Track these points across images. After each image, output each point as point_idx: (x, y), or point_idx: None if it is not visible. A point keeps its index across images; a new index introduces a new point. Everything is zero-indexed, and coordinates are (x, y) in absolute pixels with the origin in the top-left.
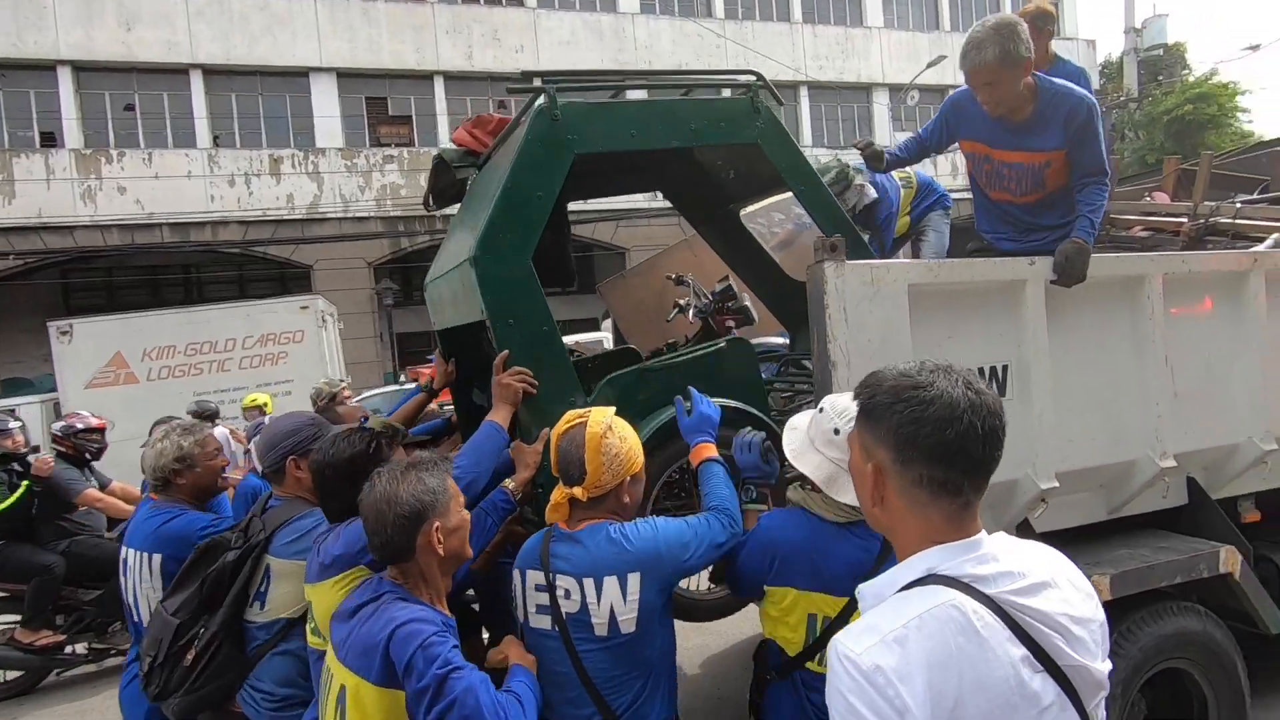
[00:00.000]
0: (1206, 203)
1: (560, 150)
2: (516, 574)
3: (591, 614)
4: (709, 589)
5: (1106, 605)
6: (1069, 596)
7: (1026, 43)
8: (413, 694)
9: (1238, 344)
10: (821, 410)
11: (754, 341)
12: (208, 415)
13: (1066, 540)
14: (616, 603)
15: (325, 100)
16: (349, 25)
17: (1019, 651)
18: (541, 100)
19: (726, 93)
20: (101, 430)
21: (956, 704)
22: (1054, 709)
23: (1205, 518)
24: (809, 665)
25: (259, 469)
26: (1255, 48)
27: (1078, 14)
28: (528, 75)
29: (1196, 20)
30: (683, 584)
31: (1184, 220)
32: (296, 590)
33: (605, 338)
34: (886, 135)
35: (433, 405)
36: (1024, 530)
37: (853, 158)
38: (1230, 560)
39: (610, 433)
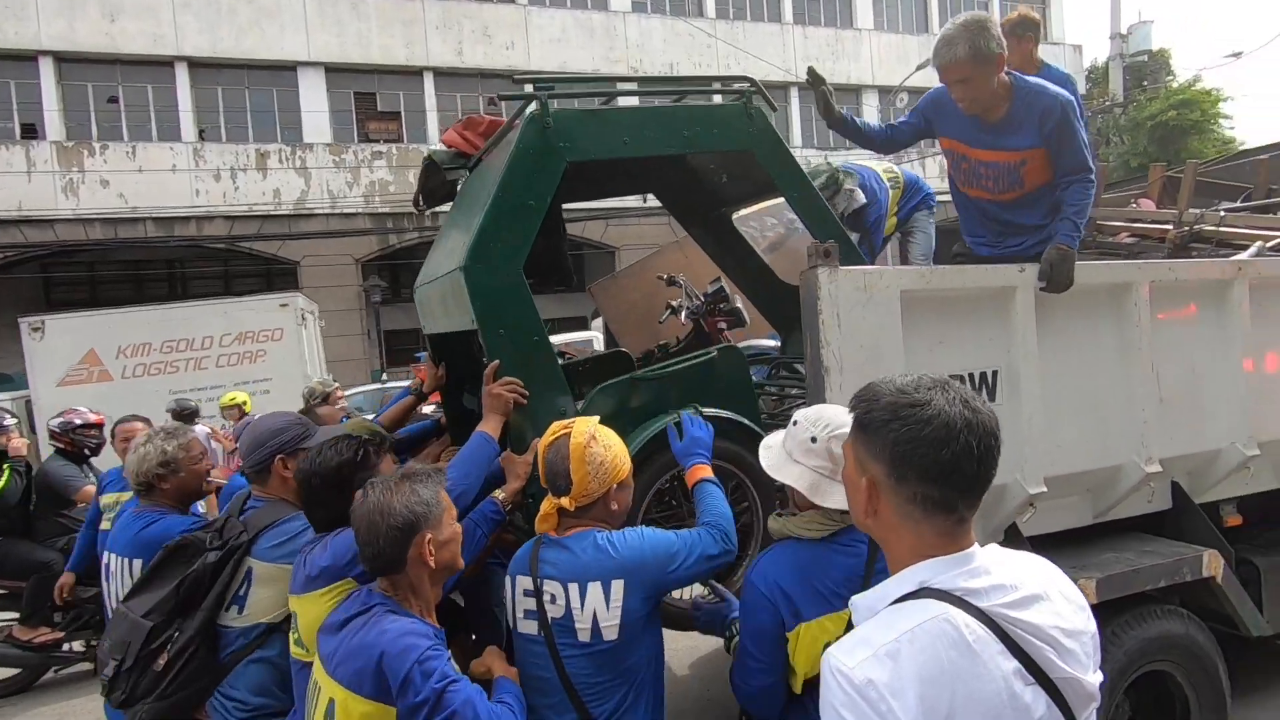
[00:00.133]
0: (1191, 210)
1: (552, 158)
2: (508, 580)
3: (575, 619)
4: (703, 595)
5: (1093, 609)
6: (1060, 609)
7: (998, 39)
8: (408, 709)
9: (1222, 351)
10: (795, 423)
11: (745, 344)
12: (188, 414)
13: (1053, 544)
14: (600, 609)
15: (313, 95)
16: (338, 19)
17: (1011, 664)
18: (534, 107)
19: (717, 99)
20: (99, 426)
21: (948, 717)
22: None
23: (1189, 522)
24: None
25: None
26: (1237, 55)
27: (1065, 19)
28: (520, 81)
29: (1181, 27)
30: (674, 593)
31: (1169, 227)
32: (278, 595)
33: (595, 336)
34: None
35: (428, 408)
36: (1012, 534)
37: (839, 159)
38: (1213, 564)
39: (594, 442)
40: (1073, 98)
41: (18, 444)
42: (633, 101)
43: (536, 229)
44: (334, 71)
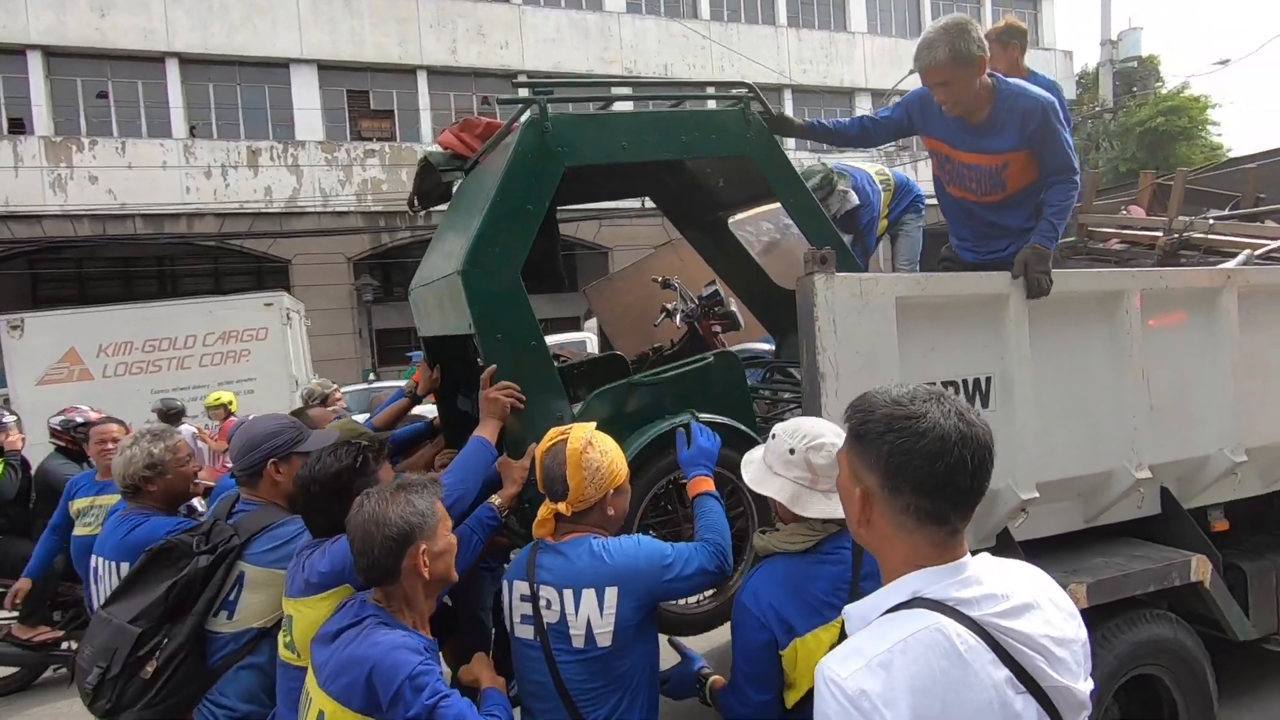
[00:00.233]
0: (1181, 217)
1: (550, 162)
2: (505, 585)
3: (570, 625)
4: (697, 601)
5: (1083, 612)
6: (1051, 617)
7: (979, 42)
8: None
9: (1211, 358)
10: (774, 436)
11: (739, 347)
12: (174, 413)
13: (1044, 548)
14: (593, 615)
15: (305, 92)
16: (331, 16)
17: (1002, 674)
18: (532, 111)
19: (711, 105)
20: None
21: None
22: None
23: (1177, 527)
24: None
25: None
26: (1225, 63)
27: (1056, 25)
28: (519, 85)
29: (1170, 34)
30: None
31: (1159, 234)
32: (270, 600)
33: (588, 338)
34: None
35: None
36: (1004, 538)
37: (832, 159)
38: (1201, 569)
39: (590, 448)
40: (1055, 100)
41: (14, 439)
42: (628, 106)
43: (535, 233)
44: (327, 69)
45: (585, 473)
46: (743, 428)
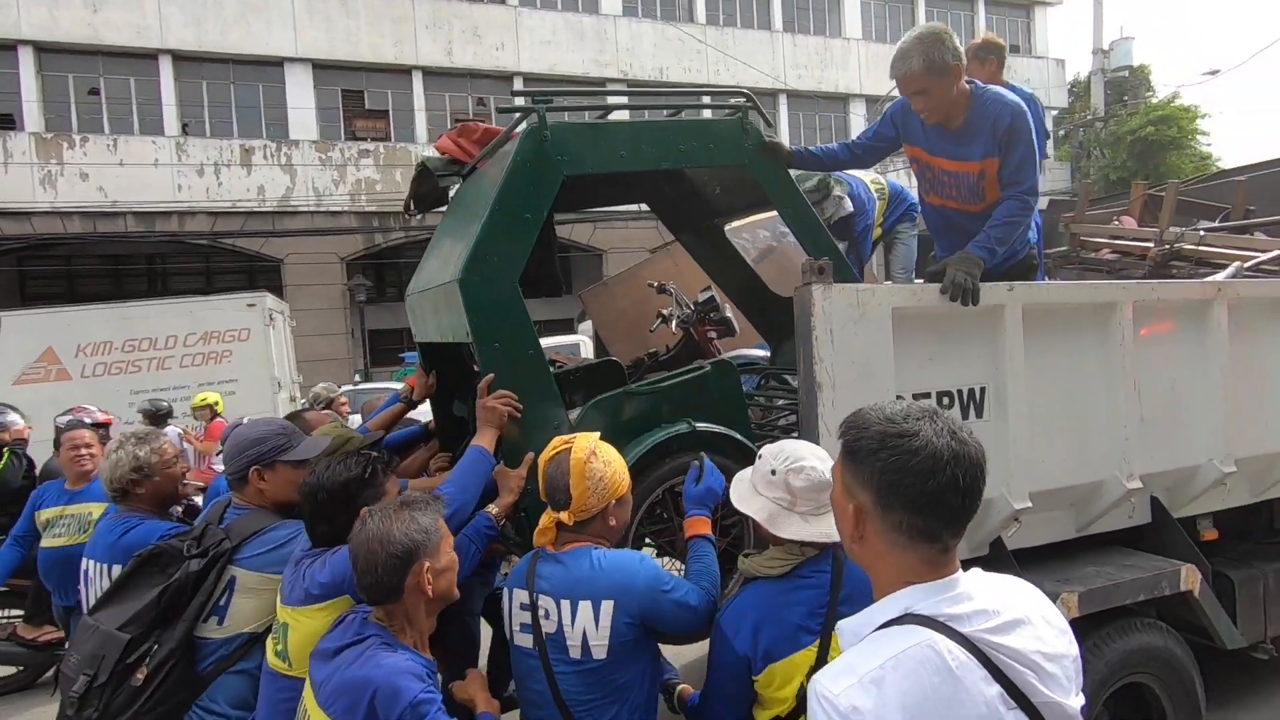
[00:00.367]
0: (1172, 229)
1: (550, 171)
2: (505, 593)
3: (566, 636)
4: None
5: (1074, 621)
6: (1042, 633)
7: (953, 50)
8: None
9: (1201, 370)
10: (760, 457)
11: (734, 353)
12: (161, 415)
13: (1036, 557)
14: (589, 628)
15: (300, 91)
16: (326, 16)
17: (993, 690)
18: (532, 119)
19: (707, 114)
20: (108, 425)
21: None
22: None
23: (1167, 536)
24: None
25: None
26: (1215, 73)
27: (1048, 33)
28: (518, 93)
29: (1161, 44)
30: None
31: (1150, 245)
32: (262, 604)
33: (582, 340)
34: None
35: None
36: (996, 547)
37: None
38: (1190, 578)
39: (594, 457)
40: (1027, 108)
41: (20, 428)
42: (625, 111)
43: (533, 242)
44: (321, 68)
45: (588, 482)
46: (738, 437)
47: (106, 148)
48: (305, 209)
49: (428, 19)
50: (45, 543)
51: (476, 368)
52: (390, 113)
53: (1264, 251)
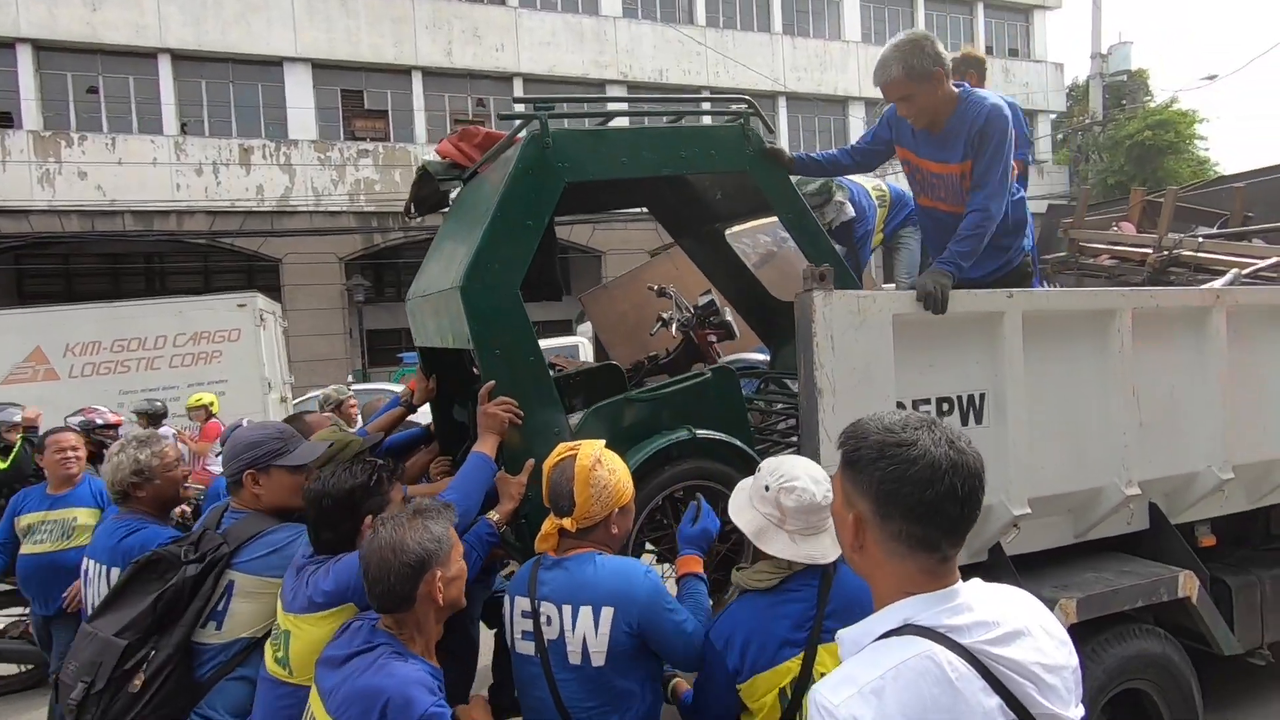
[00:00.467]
0: (1171, 235)
1: (551, 178)
2: (506, 600)
3: (567, 641)
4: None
5: (1072, 627)
6: (1042, 644)
7: (934, 55)
8: None
9: (1200, 376)
10: (758, 471)
11: (733, 357)
12: (156, 415)
13: (1034, 563)
14: (589, 634)
15: (299, 91)
16: (326, 15)
17: (993, 701)
18: (531, 127)
19: (707, 121)
20: (118, 426)
21: None
22: None
23: (1165, 542)
24: None
25: None
26: (1213, 78)
27: (1047, 38)
28: (519, 100)
29: (1159, 49)
30: None
31: (1149, 251)
32: (260, 609)
33: (580, 342)
34: None
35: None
36: (995, 553)
37: None
38: (1188, 585)
39: (599, 465)
40: (1006, 110)
41: (32, 413)
42: (624, 117)
43: (534, 249)
44: (321, 68)
45: (593, 490)
46: (739, 444)
47: (105, 146)
48: (304, 209)
49: (427, 19)
50: (26, 549)
51: (477, 371)
52: (389, 113)
53: (1262, 258)
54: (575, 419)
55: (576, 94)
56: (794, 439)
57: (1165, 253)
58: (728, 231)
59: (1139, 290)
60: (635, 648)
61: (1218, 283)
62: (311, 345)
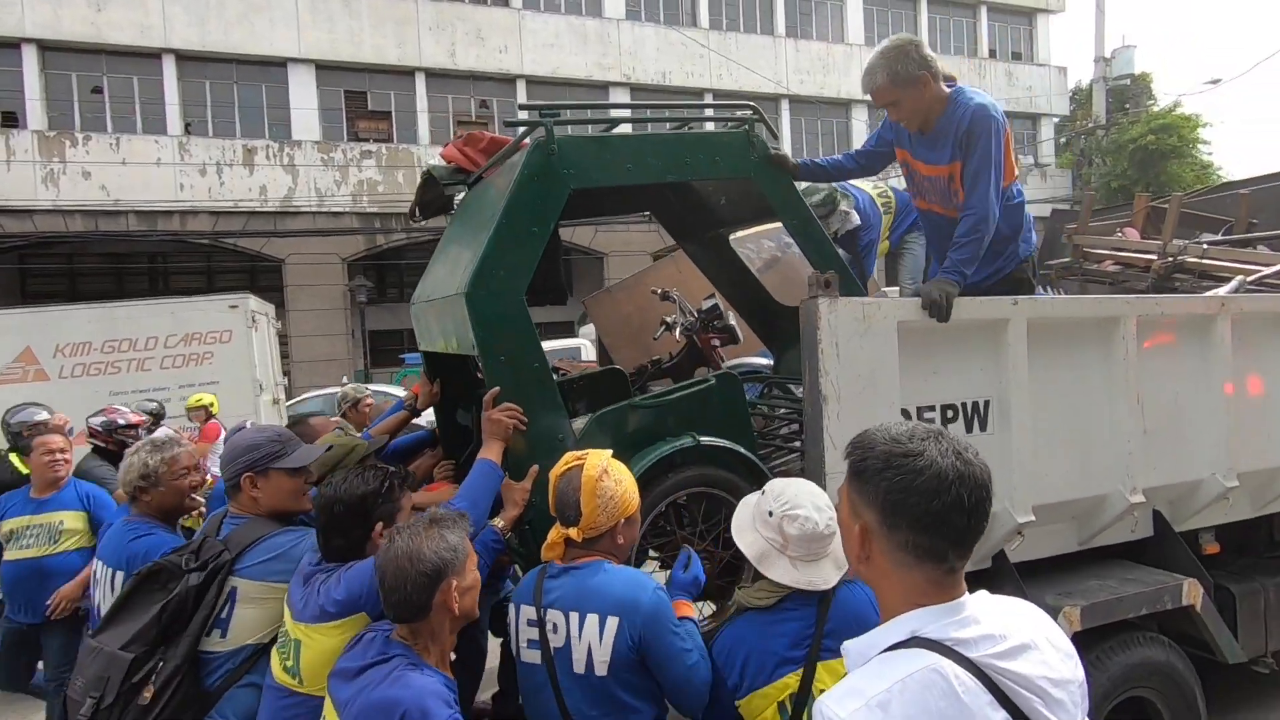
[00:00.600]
0: (1176, 241)
1: (556, 185)
2: (511, 608)
3: (573, 649)
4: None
5: (1076, 635)
6: (1049, 658)
7: (918, 59)
8: None
9: (1204, 384)
10: (764, 493)
11: (736, 361)
12: (156, 415)
13: (1038, 570)
14: (593, 642)
15: (303, 92)
16: (329, 16)
17: (999, 715)
18: (536, 134)
19: (710, 127)
20: (139, 426)
21: None
22: None
23: (1169, 550)
24: None
25: None
26: (1216, 82)
27: (1051, 41)
28: (525, 107)
29: (1163, 53)
30: None
31: (1153, 257)
32: (265, 615)
33: (583, 345)
34: None
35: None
36: (999, 560)
37: None
38: (1192, 593)
39: (606, 475)
40: (994, 110)
41: (59, 420)
42: (626, 122)
43: (539, 255)
44: (324, 69)
45: (599, 500)
46: (743, 451)
47: (109, 146)
48: (307, 209)
49: (431, 21)
50: (10, 555)
51: (481, 376)
52: (393, 114)
53: (1267, 265)
54: (579, 424)
55: (579, 95)
56: (796, 444)
57: (1170, 259)
58: (732, 237)
59: (1144, 298)
60: (637, 661)
61: (1222, 290)
62: (314, 346)
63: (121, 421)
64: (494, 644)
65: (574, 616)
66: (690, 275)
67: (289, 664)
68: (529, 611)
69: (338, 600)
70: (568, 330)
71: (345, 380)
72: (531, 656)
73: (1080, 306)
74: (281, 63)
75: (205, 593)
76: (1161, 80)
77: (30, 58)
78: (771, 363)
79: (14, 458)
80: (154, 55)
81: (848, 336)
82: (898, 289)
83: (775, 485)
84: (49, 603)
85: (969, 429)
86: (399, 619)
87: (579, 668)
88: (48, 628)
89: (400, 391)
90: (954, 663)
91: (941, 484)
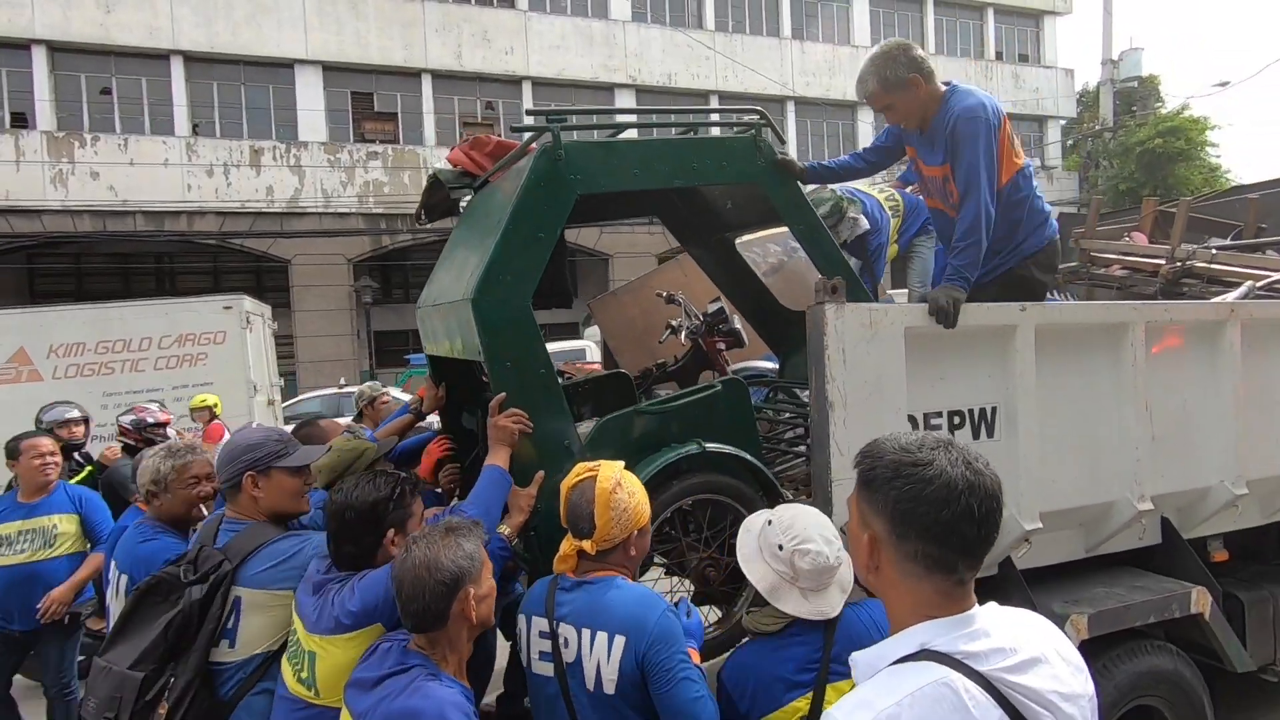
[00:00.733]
0: (1184, 246)
1: (563, 190)
2: (522, 619)
3: (584, 665)
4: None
5: (1083, 644)
6: (1059, 672)
7: (907, 63)
8: None
9: (1213, 390)
10: (770, 523)
11: (741, 365)
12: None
13: (1045, 577)
14: (602, 660)
15: (309, 93)
16: (336, 18)
17: None
18: (543, 140)
19: (715, 132)
20: (166, 425)
21: None
22: None
23: (1178, 557)
24: None
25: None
26: (1225, 84)
27: (1058, 43)
28: (531, 112)
29: (1171, 55)
30: None
31: (1161, 262)
32: (272, 622)
33: (587, 346)
34: None
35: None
36: (1005, 567)
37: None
38: (1201, 601)
39: (620, 488)
40: (981, 109)
41: (76, 431)
42: (633, 128)
43: (546, 260)
44: (331, 70)
45: (613, 513)
46: (749, 458)
47: (117, 147)
48: (313, 210)
49: (437, 22)
50: (2, 560)
51: (486, 380)
52: (399, 115)
53: (1277, 270)
54: (584, 428)
55: (585, 97)
56: (800, 448)
57: (1178, 264)
58: (737, 241)
59: (1152, 304)
60: (643, 681)
61: (1231, 295)
62: (319, 346)
63: (150, 420)
64: (499, 646)
65: (585, 633)
66: (695, 278)
67: (303, 675)
68: (541, 623)
69: (352, 612)
70: (573, 332)
71: (343, 382)
72: (544, 669)
73: (1088, 313)
74: (288, 64)
75: (210, 605)
76: (1169, 82)
77: (40, 59)
78: (776, 366)
79: None
80: (162, 56)
81: (854, 342)
82: (905, 292)
83: (783, 517)
84: (40, 606)
85: (976, 435)
86: (418, 629)
87: (589, 685)
88: (42, 635)
89: (401, 394)
90: (964, 676)
91: (951, 493)
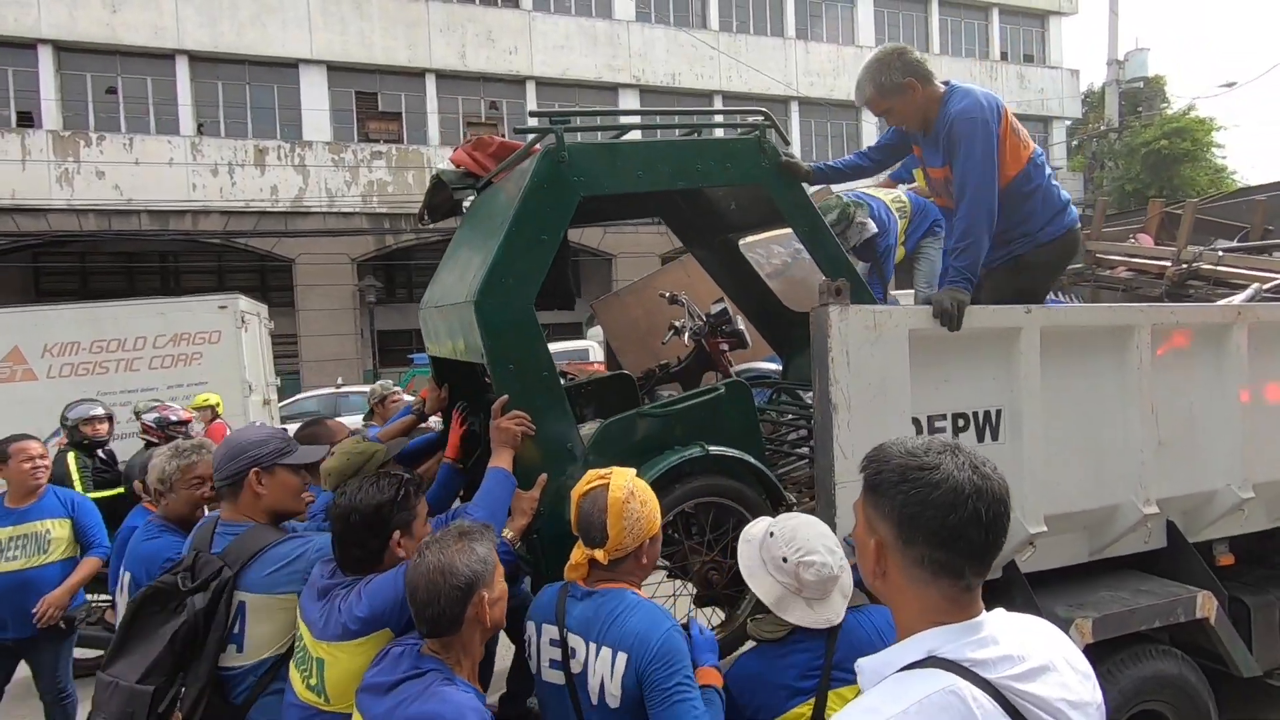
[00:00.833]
0: (1190, 248)
1: (567, 192)
2: (531, 625)
3: (589, 677)
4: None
5: (1088, 648)
6: (1067, 680)
7: (901, 68)
8: None
9: (1219, 394)
10: (772, 535)
11: (744, 366)
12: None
13: (1049, 581)
14: (606, 675)
15: (314, 93)
16: (341, 18)
17: None
18: (547, 141)
19: (719, 133)
20: (188, 423)
21: None
22: None
23: (1183, 561)
24: None
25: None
26: (1231, 85)
27: (1063, 44)
28: (535, 114)
29: (1177, 56)
30: None
31: (1167, 263)
32: (278, 626)
33: (590, 346)
34: None
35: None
36: (1010, 570)
37: (846, 186)
38: (1207, 605)
39: (633, 497)
40: (977, 109)
41: (100, 429)
42: (637, 129)
43: (549, 262)
44: (336, 70)
45: (625, 522)
46: (752, 460)
47: (122, 146)
48: (317, 209)
49: (441, 22)
50: None
51: (489, 381)
52: (403, 115)
53: None
54: (587, 430)
55: (589, 97)
56: (803, 450)
57: (1184, 266)
58: (741, 242)
59: (1158, 306)
60: (643, 697)
61: (1238, 298)
62: (323, 345)
63: (173, 418)
64: (502, 647)
65: (592, 647)
66: (699, 279)
67: (312, 682)
68: (551, 631)
69: (360, 618)
70: (576, 332)
71: (340, 382)
72: (554, 677)
73: (1093, 315)
74: (293, 64)
75: (214, 613)
76: (1175, 83)
77: (46, 58)
78: (779, 368)
79: (70, 456)
80: (167, 56)
81: (858, 345)
82: (911, 293)
83: (784, 528)
84: (35, 611)
85: (980, 438)
86: (432, 634)
87: (594, 698)
88: (37, 642)
89: (407, 396)
90: (971, 684)
91: (958, 498)
